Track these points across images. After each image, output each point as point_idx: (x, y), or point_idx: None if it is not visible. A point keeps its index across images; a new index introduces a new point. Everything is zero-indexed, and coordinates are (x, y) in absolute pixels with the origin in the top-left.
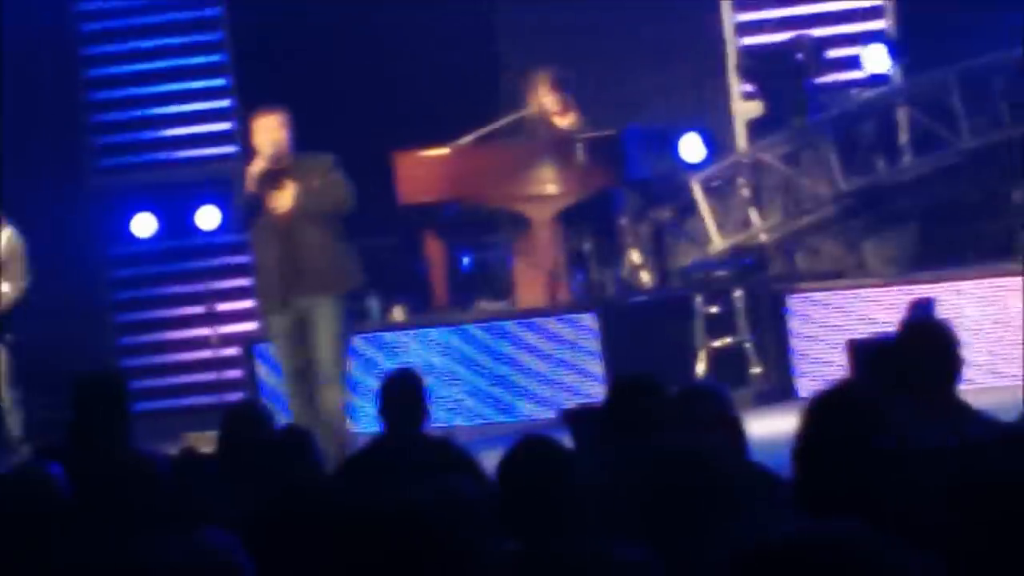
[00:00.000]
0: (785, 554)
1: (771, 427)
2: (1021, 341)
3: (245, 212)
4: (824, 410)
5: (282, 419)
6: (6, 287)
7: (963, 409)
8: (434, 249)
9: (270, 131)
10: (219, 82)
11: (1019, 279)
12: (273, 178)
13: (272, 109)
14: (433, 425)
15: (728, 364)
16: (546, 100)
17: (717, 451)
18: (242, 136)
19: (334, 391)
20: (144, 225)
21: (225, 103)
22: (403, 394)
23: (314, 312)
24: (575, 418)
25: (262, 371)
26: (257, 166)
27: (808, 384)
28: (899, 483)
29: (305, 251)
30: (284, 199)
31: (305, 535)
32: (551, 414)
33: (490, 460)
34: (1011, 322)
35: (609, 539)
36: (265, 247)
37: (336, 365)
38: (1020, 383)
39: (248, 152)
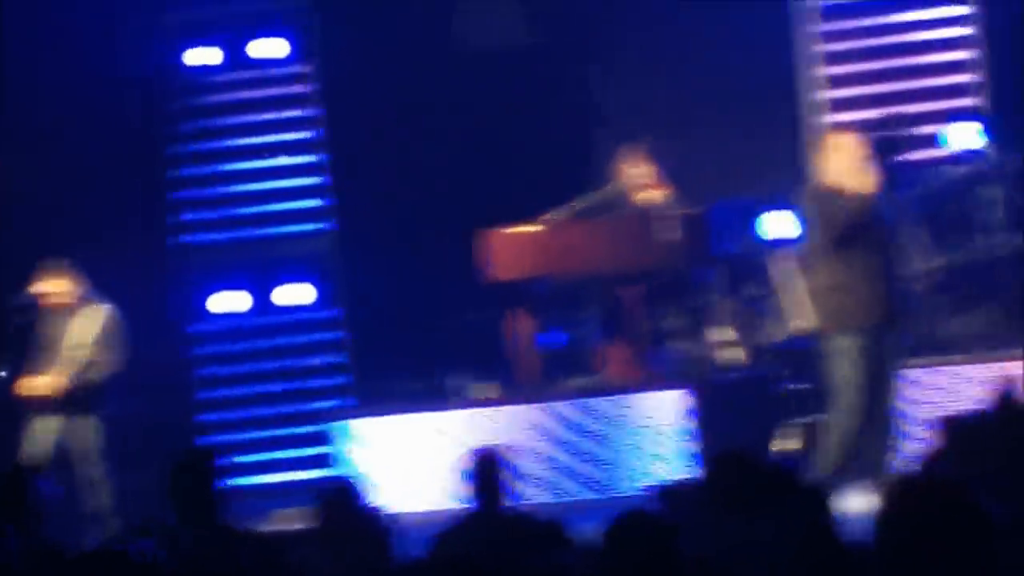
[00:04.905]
0: None
1: (861, 503)
2: None
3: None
4: (909, 491)
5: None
6: (101, 361)
7: None
8: (523, 326)
9: None
10: (309, 158)
11: None
12: None
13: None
14: (521, 502)
15: (818, 441)
16: (637, 174)
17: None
18: (331, 213)
19: None
20: (230, 301)
21: (315, 180)
22: (488, 471)
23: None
24: (669, 494)
25: (347, 447)
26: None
27: (897, 459)
28: (984, 560)
29: None
30: None
31: None
32: (639, 491)
33: (579, 536)
34: None
35: None
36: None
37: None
38: None
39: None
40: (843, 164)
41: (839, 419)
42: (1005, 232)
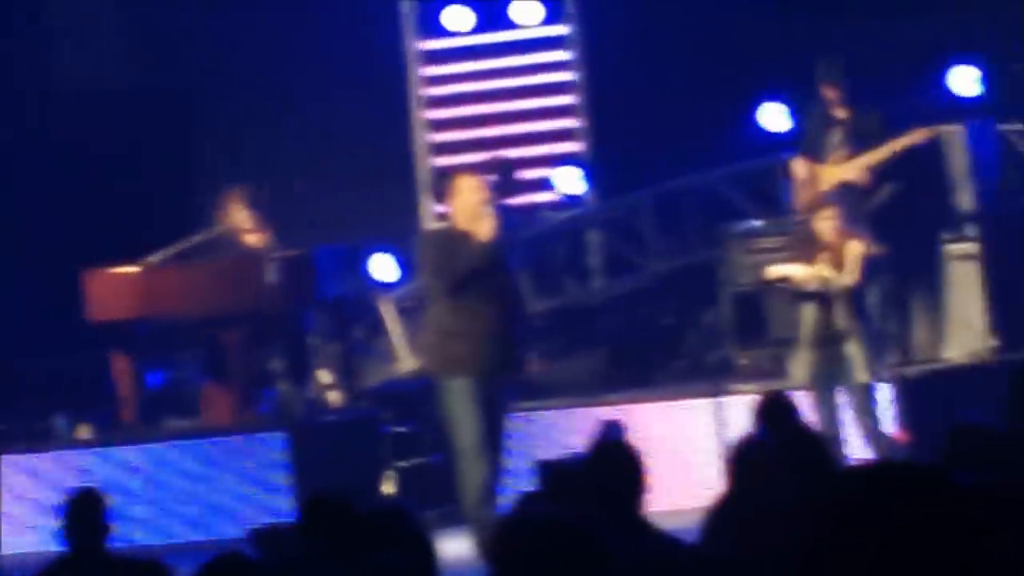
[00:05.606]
0: None
1: (460, 548)
2: (708, 462)
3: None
4: (520, 534)
5: None
6: None
7: (648, 529)
8: (123, 367)
9: None
10: None
11: (707, 401)
12: None
13: None
14: (121, 543)
15: (418, 483)
16: (238, 218)
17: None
18: None
19: None
20: None
21: None
22: (85, 513)
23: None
24: (263, 537)
25: None
26: None
27: (501, 503)
28: None
29: None
30: None
31: None
32: (239, 533)
33: None
34: (699, 443)
35: None
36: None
37: None
38: (706, 504)
39: None
40: (465, 208)
41: (461, 462)
42: (605, 278)
